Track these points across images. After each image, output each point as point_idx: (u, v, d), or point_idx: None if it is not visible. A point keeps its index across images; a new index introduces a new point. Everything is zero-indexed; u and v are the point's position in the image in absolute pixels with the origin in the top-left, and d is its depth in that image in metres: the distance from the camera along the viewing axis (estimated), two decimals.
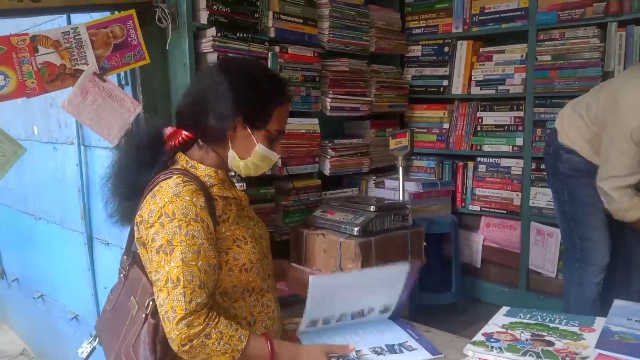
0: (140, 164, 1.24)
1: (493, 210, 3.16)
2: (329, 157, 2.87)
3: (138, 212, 1.22)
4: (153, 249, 1.16)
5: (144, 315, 1.18)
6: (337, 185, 3.10)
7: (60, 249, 2.99)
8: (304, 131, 2.73)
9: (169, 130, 1.29)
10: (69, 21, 2.41)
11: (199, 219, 1.16)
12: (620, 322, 1.13)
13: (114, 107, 2.16)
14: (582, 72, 2.76)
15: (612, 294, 2.19)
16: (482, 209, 3.20)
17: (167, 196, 1.17)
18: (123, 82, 2.31)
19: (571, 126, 2.27)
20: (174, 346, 1.12)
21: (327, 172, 2.89)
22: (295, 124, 2.69)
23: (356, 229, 2.41)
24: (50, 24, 2.43)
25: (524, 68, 2.97)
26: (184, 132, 1.27)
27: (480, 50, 3.20)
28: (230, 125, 1.24)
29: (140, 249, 1.25)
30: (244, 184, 2.34)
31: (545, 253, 2.99)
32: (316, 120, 2.79)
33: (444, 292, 3.07)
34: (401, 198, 2.87)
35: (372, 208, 2.52)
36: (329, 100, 2.82)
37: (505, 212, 3.12)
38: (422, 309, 2.88)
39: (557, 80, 2.85)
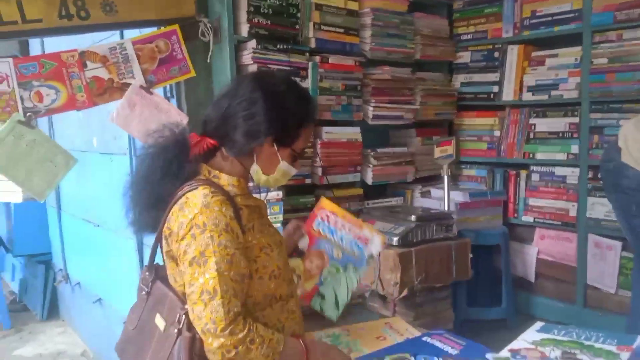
0: (166, 174, 1.25)
1: (547, 221, 3.01)
2: (371, 165, 2.84)
3: (166, 225, 1.24)
4: (186, 262, 1.16)
5: (176, 331, 1.17)
6: (381, 195, 3.06)
7: (115, 254, 3.13)
8: (345, 140, 2.72)
9: (194, 137, 1.30)
10: (121, 36, 2.55)
11: (230, 229, 1.17)
12: None
13: (161, 118, 2.24)
14: None
15: None
16: (536, 219, 3.05)
17: (196, 207, 1.17)
18: (168, 94, 2.41)
19: (637, 150, 2.14)
20: (217, 356, 1.11)
21: (369, 181, 2.86)
22: (337, 133, 2.69)
23: (395, 238, 2.36)
24: (106, 40, 2.57)
25: (579, 72, 2.82)
26: (209, 140, 1.29)
27: (532, 54, 3.07)
28: (260, 143, 1.26)
29: (169, 262, 1.27)
30: (282, 192, 2.36)
31: (604, 267, 2.81)
32: (358, 129, 2.78)
33: (494, 307, 2.94)
34: (446, 208, 2.79)
35: (413, 218, 2.47)
36: (370, 108, 2.80)
37: (560, 223, 2.96)
38: (469, 324, 2.77)
39: (615, 84, 2.68)
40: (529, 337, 1.27)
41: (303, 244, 1.66)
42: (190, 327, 1.15)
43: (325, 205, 1.70)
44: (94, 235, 3.50)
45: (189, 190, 1.22)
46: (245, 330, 1.11)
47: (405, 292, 2.34)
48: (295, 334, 1.30)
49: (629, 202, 2.21)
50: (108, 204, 3.19)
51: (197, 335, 1.14)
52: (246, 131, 1.24)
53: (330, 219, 1.67)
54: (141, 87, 2.16)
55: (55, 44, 2.86)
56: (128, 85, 2.15)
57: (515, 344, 1.23)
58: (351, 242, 1.65)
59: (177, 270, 1.23)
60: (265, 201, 1.40)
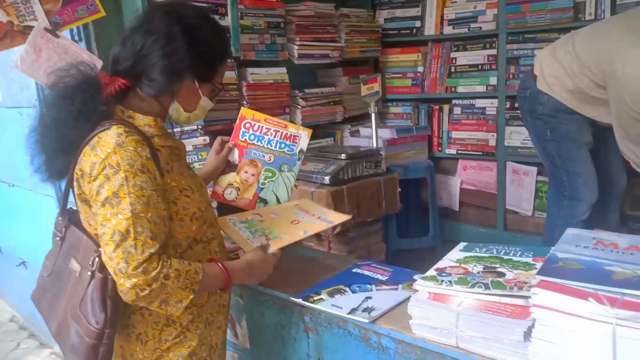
0: (76, 117, 1.16)
1: (469, 152, 3.15)
2: (299, 107, 2.82)
3: (77, 167, 1.17)
4: (98, 202, 1.11)
5: (89, 273, 1.14)
6: (312, 136, 3.05)
7: (35, 214, 2.97)
8: (271, 81, 2.67)
9: (104, 77, 1.20)
10: None
11: (146, 169, 1.12)
12: (568, 249, 1.12)
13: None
14: (554, 4, 2.69)
15: (589, 226, 2.21)
16: (459, 152, 3.19)
17: (109, 147, 1.11)
18: (76, 37, 2.23)
19: (552, 75, 2.22)
20: (130, 296, 1.09)
21: (298, 122, 2.84)
22: (263, 74, 2.63)
23: (327, 177, 2.39)
24: None
25: (496, 4, 2.90)
26: (121, 80, 1.20)
27: None
28: (182, 80, 1.21)
29: (81, 206, 1.21)
30: (209, 137, 2.30)
31: (521, 192, 3.00)
32: (284, 70, 2.72)
33: (422, 237, 3.09)
34: (374, 145, 2.84)
35: (343, 156, 2.50)
36: (296, 47, 2.74)
37: (481, 153, 3.10)
38: (400, 254, 2.90)
39: (529, 14, 2.77)
40: (453, 256, 1.34)
41: (234, 157, 1.69)
42: (102, 268, 1.12)
43: (246, 114, 1.72)
44: (10, 196, 3.29)
45: (102, 130, 1.15)
46: (159, 267, 1.09)
47: (338, 229, 2.40)
48: (213, 258, 1.29)
49: (544, 128, 2.33)
50: (22, 162, 2.98)
51: (110, 277, 1.12)
52: (166, 69, 1.18)
53: (253, 127, 1.69)
54: (45, 29, 1.98)
55: None
56: (31, 28, 1.96)
57: (440, 264, 1.29)
58: (279, 143, 1.69)
59: (90, 213, 1.18)
60: (183, 142, 1.36)
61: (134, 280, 1.07)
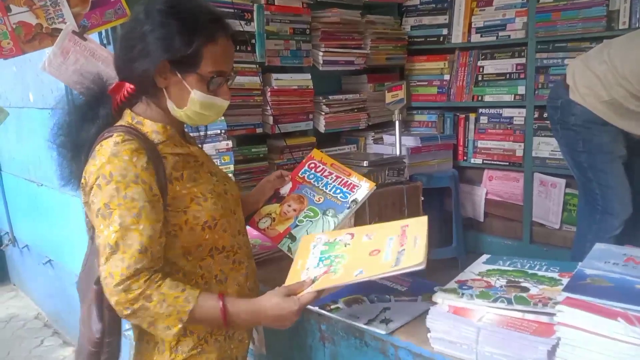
0: (83, 120, 1.16)
1: (495, 162, 3.08)
2: (323, 113, 2.81)
3: (83, 175, 1.15)
4: (93, 213, 1.10)
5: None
6: (335, 143, 3.05)
7: (62, 214, 3.03)
8: (295, 87, 2.66)
9: (113, 84, 1.19)
10: None
11: (140, 180, 1.08)
12: (596, 265, 1.08)
13: (99, 67, 2.10)
14: (586, 12, 2.62)
15: (619, 242, 2.13)
16: (484, 161, 3.13)
17: (104, 156, 1.09)
18: (105, 41, 2.27)
19: (585, 85, 2.16)
20: (118, 312, 1.07)
21: (321, 129, 2.83)
22: (287, 80, 2.63)
23: None
24: None
25: (525, 12, 2.84)
26: (129, 85, 1.17)
27: None
28: (156, 69, 1.12)
29: (89, 213, 1.18)
30: (232, 142, 2.31)
31: (549, 204, 2.92)
32: (309, 76, 2.72)
33: (445, 247, 3.03)
34: (398, 153, 2.81)
35: (365, 163, 2.47)
36: (320, 53, 2.74)
37: (507, 164, 3.04)
38: None
39: (560, 23, 2.71)
40: (475, 269, 1.31)
41: (285, 189, 1.61)
42: (99, 279, 1.10)
43: (315, 155, 1.66)
44: (39, 195, 3.36)
45: (106, 138, 1.13)
46: (143, 287, 1.04)
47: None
48: (241, 286, 1.25)
49: (576, 139, 2.26)
50: (50, 162, 3.04)
51: None
52: (139, 60, 1.12)
53: (317, 168, 1.63)
54: (74, 32, 2.01)
55: None
56: (59, 30, 2.00)
57: (462, 276, 1.26)
58: (336, 189, 1.60)
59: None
60: (201, 148, 1.33)
61: (116, 298, 1.05)
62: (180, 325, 1.07)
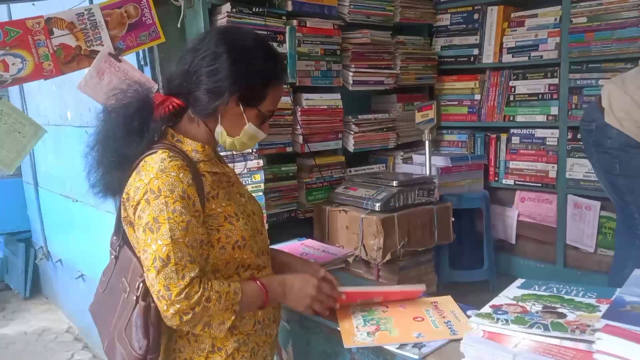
0: (129, 132, 1.18)
1: (527, 183, 3.03)
2: (352, 133, 2.82)
3: (125, 190, 1.19)
4: (140, 227, 1.12)
5: (134, 298, 1.15)
6: (363, 162, 3.04)
7: (95, 229, 3.09)
8: (325, 107, 2.68)
9: (158, 97, 1.23)
10: (90, 1, 2.44)
11: (186, 195, 1.13)
12: (636, 292, 1.04)
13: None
14: (621, 33, 2.58)
15: None
16: (516, 182, 3.07)
17: (152, 172, 1.13)
18: (142, 62, 2.33)
19: (621, 109, 2.12)
20: (174, 321, 1.09)
21: (351, 148, 2.83)
22: (317, 100, 2.65)
23: (378, 204, 2.36)
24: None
25: (558, 32, 2.80)
26: (174, 100, 1.22)
27: (512, 15, 3.04)
28: (224, 101, 1.19)
29: (127, 228, 1.22)
30: (263, 161, 2.33)
31: (583, 227, 2.85)
32: (338, 95, 2.74)
33: (476, 269, 2.98)
34: (427, 173, 2.79)
35: (395, 183, 2.46)
36: (350, 74, 2.75)
37: (540, 185, 2.98)
38: (452, 286, 2.80)
39: (594, 44, 2.67)
40: (510, 293, 1.27)
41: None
42: (146, 295, 1.13)
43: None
44: (73, 211, 3.44)
45: (149, 154, 1.17)
46: (201, 290, 1.09)
47: (388, 257, 2.35)
48: (252, 277, 1.26)
49: (612, 162, 2.21)
50: (85, 179, 3.13)
51: (153, 304, 1.12)
52: (209, 88, 1.18)
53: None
54: (110, 54, 2.08)
55: (23, 12, 2.75)
56: (96, 52, 2.07)
57: (496, 300, 1.22)
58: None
59: (134, 236, 1.19)
60: (233, 169, 1.36)
61: (177, 306, 1.08)
62: (233, 317, 1.15)
